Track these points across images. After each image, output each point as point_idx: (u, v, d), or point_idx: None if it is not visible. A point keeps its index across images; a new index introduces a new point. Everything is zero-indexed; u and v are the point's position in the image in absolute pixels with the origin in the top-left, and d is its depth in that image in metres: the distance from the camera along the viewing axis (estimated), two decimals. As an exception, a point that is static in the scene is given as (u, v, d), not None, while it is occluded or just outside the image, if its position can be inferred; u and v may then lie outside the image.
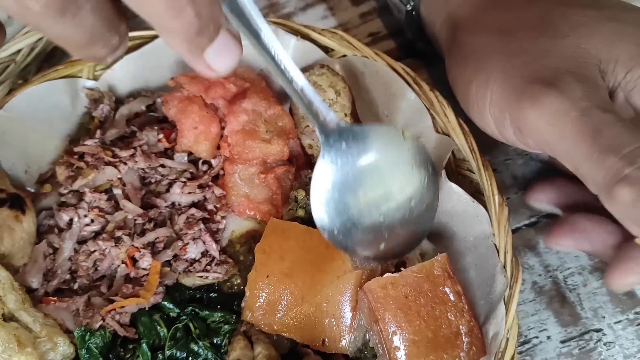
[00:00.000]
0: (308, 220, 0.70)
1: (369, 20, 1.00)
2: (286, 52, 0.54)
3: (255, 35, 0.51)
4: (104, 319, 0.67)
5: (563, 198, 0.70)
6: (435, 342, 0.62)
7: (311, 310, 0.65)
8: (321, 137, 0.60)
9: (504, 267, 0.64)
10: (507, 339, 0.61)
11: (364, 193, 0.62)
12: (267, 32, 0.51)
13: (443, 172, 0.70)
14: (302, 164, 0.79)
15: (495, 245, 0.66)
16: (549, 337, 0.75)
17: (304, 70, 0.79)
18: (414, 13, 0.84)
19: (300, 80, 0.56)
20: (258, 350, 0.67)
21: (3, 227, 0.67)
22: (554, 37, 0.60)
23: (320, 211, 0.62)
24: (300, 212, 0.71)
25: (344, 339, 0.64)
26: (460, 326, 0.63)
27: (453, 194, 0.69)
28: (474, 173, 0.71)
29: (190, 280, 0.73)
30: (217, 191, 0.76)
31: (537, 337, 0.76)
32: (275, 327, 0.67)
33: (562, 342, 0.75)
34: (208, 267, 0.73)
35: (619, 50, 0.57)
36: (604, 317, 0.76)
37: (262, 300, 0.67)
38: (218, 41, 0.44)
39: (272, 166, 0.75)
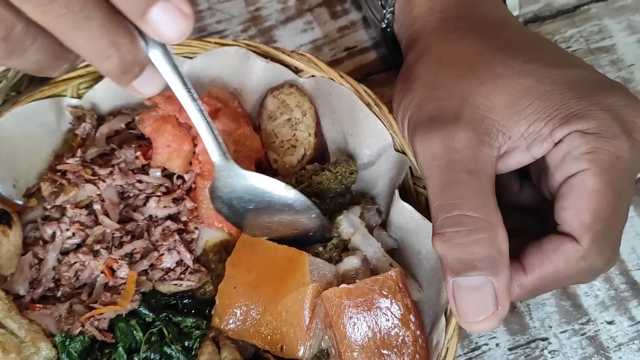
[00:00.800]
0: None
1: (346, 35, 1.04)
2: (196, 96, 0.63)
3: (175, 79, 0.58)
4: (83, 325, 0.73)
5: None
6: (382, 349, 0.68)
7: (272, 319, 0.71)
8: (217, 166, 0.71)
9: (448, 282, 0.69)
10: (447, 348, 0.67)
11: (249, 214, 0.74)
12: (183, 80, 0.59)
13: (396, 191, 0.75)
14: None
15: (443, 262, 0.71)
16: (497, 345, 0.81)
17: (274, 89, 0.85)
18: (388, 30, 0.88)
19: (207, 120, 0.67)
20: (224, 354, 0.73)
21: (-8, 240, 0.73)
22: (474, 81, 0.65)
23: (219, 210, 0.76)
24: None
25: (301, 346, 0.70)
26: (406, 336, 0.69)
27: (406, 212, 0.74)
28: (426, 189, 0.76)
29: (165, 288, 0.79)
30: (189, 204, 0.81)
31: (486, 344, 0.81)
32: (239, 334, 0.73)
33: (510, 349, 0.81)
34: (182, 276, 0.79)
35: (523, 105, 0.62)
36: (550, 327, 0.81)
37: (229, 309, 0.73)
38: (143, 76, 0.51)
39: (240, 182, 0.81)
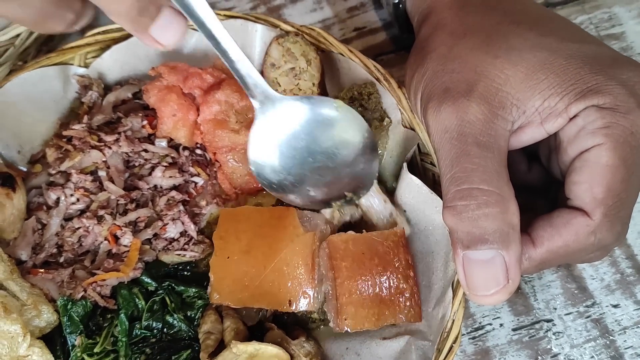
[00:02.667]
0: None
1: (355, 15, 1.04)
2: (227, 33, 0.59)
3: (198, 19, 0.55)
4: (85, 290, 0.72)
5: None
6: (380, 297, 0.68)
7: (274, 277, 0.70)
8: (255, 104, 0.68)
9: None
10: (453, 320, 0.66)
11: (297, 153, 0.70)
12: (211, 16, 0.56)
13: (405, 164, 0.75)
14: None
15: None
16: (501, 325, 0.80)
17: (280, 36, 0.83)
18: (400, 6, 0.88)
19: (239, 55, 0.63)
20: (227, 324, 0.72)
21: (-5, 203, 0.73)
22: (488, 54, 0.64)
23: (258, 166, 0.71)
24: None
25: (308, 296, 0.69)
26: (404, 290, 0.69)
27: (413, 186, 0.74)
28: (435, 166, 0.76)
29: (168, 258, 0.78)
30: (199, 180, 0.81)
31: (490, 324, 0.81)
32: (243, 302, 0.71)
33: (514, 329, 0.80)
34: (186, 246, 0.79)
35: (538, 80, 0.61)
36: (555, 309, 0.81)
37: (227, 281, 0.72)
38: (161, 19, 0.49)
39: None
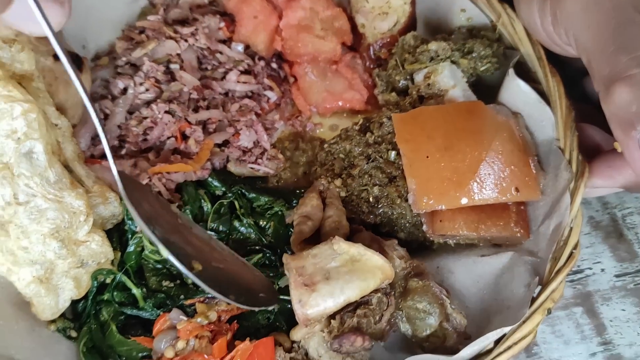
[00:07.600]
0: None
1: None
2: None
3: None
4: (150, 179, 0.65)
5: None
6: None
7: (489, 167, 0.62)
8: None
9: (569, 163, 0.61)
10: (571, 227, 0.58)
11: None
12: None
13: (511, 69, 0.68)
14: (365, 46, 0.77)
15: (560, 148, 0.63)
16: (602, 270, 0.72)
17: None
18: None
19: None
20: (329, 213, 0.63)
21: (60, 79, 0.66)
22: None
23: None
24: (398, 77, 0.71)
25: (532, 180, 0.62)
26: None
27: (520, 93, 0.67)
28: (539, 83, 0.69)
29: (239, 170, 0.71)
30: (272, 95, 0.76)
31: (590, 269, 0.72)
32: (459, 199, 0.61)
33: (617, 276, 0.71)
34: (259, 160, 0.72)
35: None
36: (662, 258, 0.72)
37: (434, 181, 0.62)
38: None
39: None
